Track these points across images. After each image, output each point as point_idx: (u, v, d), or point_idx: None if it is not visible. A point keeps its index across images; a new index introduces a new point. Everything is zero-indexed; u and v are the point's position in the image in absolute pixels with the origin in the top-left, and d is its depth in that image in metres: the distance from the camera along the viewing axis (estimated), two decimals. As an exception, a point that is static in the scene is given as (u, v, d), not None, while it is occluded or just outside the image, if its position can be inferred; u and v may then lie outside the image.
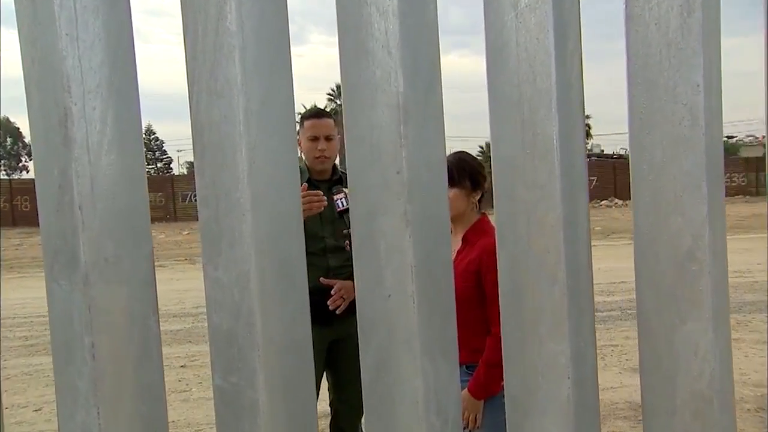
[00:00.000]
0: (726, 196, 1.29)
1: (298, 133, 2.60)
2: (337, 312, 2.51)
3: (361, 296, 1.24)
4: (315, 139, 2.61)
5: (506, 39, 1.22)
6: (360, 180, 1.21)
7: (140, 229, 1.19)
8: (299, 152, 2.58)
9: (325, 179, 2.67)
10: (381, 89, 1.18)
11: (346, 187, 2.51)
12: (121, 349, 1.14)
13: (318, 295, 2.44)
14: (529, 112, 1.21)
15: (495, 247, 1.94)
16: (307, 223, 2.42)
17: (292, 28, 1.21)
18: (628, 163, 1.29)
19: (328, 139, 2.62)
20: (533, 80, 1.20)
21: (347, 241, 2.47)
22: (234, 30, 1.14)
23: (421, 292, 1.20)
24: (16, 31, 1.10)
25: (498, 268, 1.27)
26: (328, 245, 2.57)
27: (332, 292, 2.50)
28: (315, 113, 2.70)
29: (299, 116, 2.55)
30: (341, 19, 1.19)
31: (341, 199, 2.49)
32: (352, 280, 2.54)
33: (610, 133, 58.81)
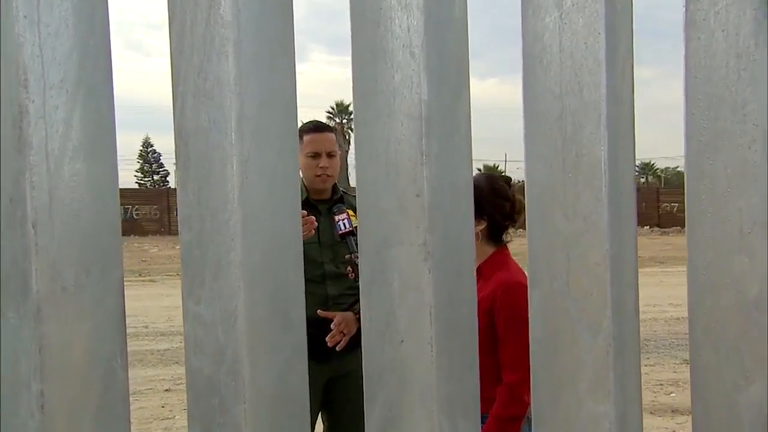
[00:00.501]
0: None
1: None
2: (337, 348, 2.27)
3: (368, 339, 1.05)
4: (316, 155, 2.38)
5: (547, 43, 1.04)
6: (372, 203, 1.03)
7: (109, 251, 1.00)
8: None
9: (324, 199, 2.45)
10: (401, 96, 1.00)
11: (348, 207, 2.31)
12: (77, 400, 0.94)
13: (315, 328, 2.18)
14: (572, 128, 1.03)
15: (513, 283, 1.75)
16: (305, 247, 2.24)
17: None
18: None
19: (330, 155, 2.40)
20: (579, 91, 1.02)
21: (350, 267, 2.22)
22: (228, 20, 0.96)
23: (441, 338, 1.01)
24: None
25: (530, 311, 1.08)
26: (327, 272, 2.34)
27: (332, 326, 2.26)
28: (315, 126, 2.47)
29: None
30: (355, 12, 1.01)
31: (344, 220, 2.24)
32: (353, 311, 2.37)
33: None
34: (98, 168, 0.99)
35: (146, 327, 6.87)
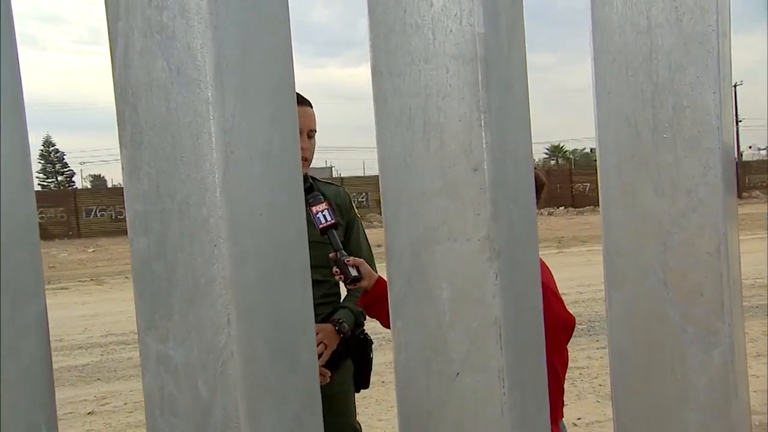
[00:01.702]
0: None
1: None
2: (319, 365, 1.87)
3: (403, 374, 0.76)
4: None
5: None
6: (402, 184, 0.73)
7: (28, 282, 0.67)
8: None
9: None
10: (444, 30, 0.71)
11: (322, 198, 1.92)
12: None
13: None
14: (667, 72, 0.76)
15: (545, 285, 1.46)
16: None
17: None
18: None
19: (309, 135, 1.92)
20: (677, 21, 0.76)
21: (336, 268, 1.80)
22: None
23: (514, 367, 0.73)
24: None
25: (609, 320, 0.82)
26: None
27: None
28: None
29: None
30: None
31: (323, 212, 1.83)
32: (332, 322, 2.01)
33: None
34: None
35: (60, 340, 6.26)
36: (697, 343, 0.77)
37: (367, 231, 2.09)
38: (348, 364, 1.93)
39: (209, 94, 0.64)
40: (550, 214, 24.82)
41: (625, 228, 0.80)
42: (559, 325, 1.35)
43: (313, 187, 1.95)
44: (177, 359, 0.67)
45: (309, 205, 1.77)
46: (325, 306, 1.92)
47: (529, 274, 0.76)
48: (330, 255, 1.74)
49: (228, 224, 0.65)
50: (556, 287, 1.42)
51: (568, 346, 1.47)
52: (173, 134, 0.65)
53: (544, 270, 1.43)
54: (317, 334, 1.80)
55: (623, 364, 0.81)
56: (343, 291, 1.97)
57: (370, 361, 1.98)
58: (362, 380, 1.97)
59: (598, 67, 0.80)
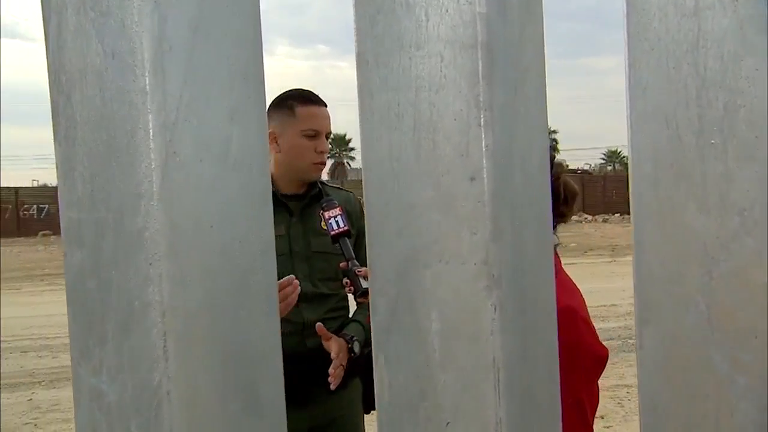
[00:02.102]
0: None
1: (267, 122, 1.73)
2: (332, 387, 1.67)
3: (386, 418, 0.64)
4: (314, 135, 1.75)
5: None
6: (389, 195, 0.61)
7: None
8: (270, 150, 1.77)
9: (296, 194, 1.82)
10: (439, 10, 0.58)
11: (336, 203, 1.80)
12: None
13: (290, 363, 1.61)
14: (717, 63, 0.62)
15: (559, 310, 1.25)
16: None
17: None
18: (594, 178, 0.70)
19: (327, 137, 1.82)
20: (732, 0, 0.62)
21: (347, 279, 1.68)
22: None
23: (515, 419, 0.60)
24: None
25: (640, 364, 0.68)
26: (303, 292, 1.67)
27: (332, 356, 1.64)
28: (313, 97, 1.79)
29: (277, 97, 1.78)
30: None
31: (336, 217, 1.65)
32: (341, 336, 1.66)
33: (573, 148, 59.08)
34: None
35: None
36: (749, 397, 0.63)
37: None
38: (356, 383, 1.79)
39: (146, 82, 0.53)
40: (605, 221, 24.26)
41: (662, 252, 0.66)
42: (589, 359, 1.20)
43: (321, 193, 1.83)
44: (110, 396, 0.57)
45: (322, 210, 1.67)
46: (333, 321, 1.78)
47: (542, 307, 0.64)
48: (341, 264, 1.63)
49: (167, 239, 0.54)
50: (588, 313, 1.27)
51: (614, 360, 1.32)
52: (108, 130, 0.55)
53: (575, 293, 1.28)
54: (339, 352, 1.65)
55: (656, 419, 0.67)
56: (352, 304, 1.84)
57: None
58: (371, 401, 1.84)
59: (633, 58, 0.66)
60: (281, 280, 1.49)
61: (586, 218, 29.02)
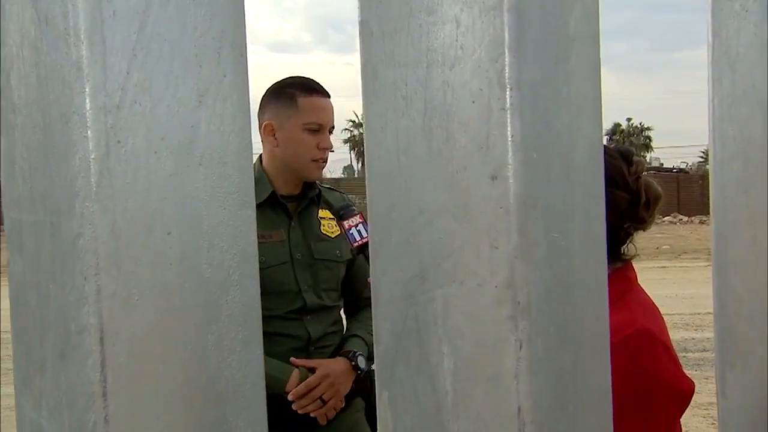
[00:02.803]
0: None
1: (263, 112, 1.58)
2: (320, 422, 1.51)
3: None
4: (317, 130, 1.55)
5: None
6: (395, 198, 0.49)
7: None
8: (266, 145, 1.60)
9: (293, 194, 1.62)
10: (454, -39, 0.46)
11: (326, 207, 1.65)
12: None
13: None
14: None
15: (635, 332, 1.03)
16: (271, 270, 1.49)
17: (343, 38, 0.52)
18: (691, 177, 0.53)
19: (330, 132, 1.63)
20: None
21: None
22: None
23: (546, 489, 0.47)
24: None
25: (719, 412, 0.53)
26: (307, 304, 1.54)
27: (299, 386, 1.48)
28: (316, 86, 1.59)
29: (274, 84, 1.60)
30: None
31: (357, 226, 1.51)
32: (343, 353, 1.50)
33: (669, 146, 56.55)
34: None
35: None
36: None
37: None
38: (358, 401, 1.62)
39: (81, 54, 0.43)
40: (701, 222, 23.07)
41: (753, 272, 0.51)
42: (670, 393, 1.01)
43: (321, 194, 1.67)
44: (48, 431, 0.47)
45: (341, 218, 1.53)
46: (335, 335, 1.61)
47: (589, 343, 0.50)
48: (368, 279, 1.49)
49: (107, 248, 0.44)
50: (669, 338, 1.07)
51: (708, 372, 1.12)
52: (44, 115, 0.45)
53: (655, 314, 1.09)
54: (322, 381, 1.49)
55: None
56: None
57: None
58: (375, 420, 1.67)
59: (718, 24, 0.52)
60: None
61: (681, 219, 27.70)
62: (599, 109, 0.51)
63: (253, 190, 0.52)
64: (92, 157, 0.43)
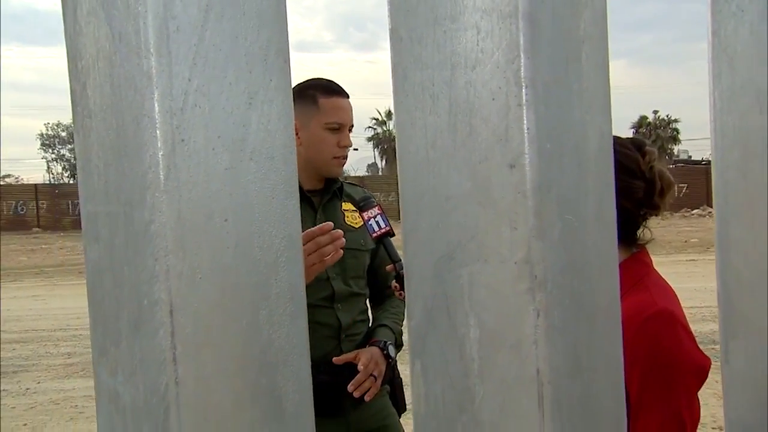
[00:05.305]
0: None
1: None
2: (366, 398, 1.62)
3: (421, 429, 0.58)
4: (337, 129, 1.66)
5: None
6: (423, 186, 0.55)
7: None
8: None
9: (317, 189, 1.73)
10: (474, -25, 0.51)
11: (349, 200, 1.73)
12: None
13: (324, 372, 1.60)
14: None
15: (653, 313, 1.09)
16: None
17: (364, 36, 0.59)
18: None
19: (350, 130, 1.74)
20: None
21: (396, 283, 1.62)
22: None
23: (563, 443, 0.52)
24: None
25: (723, 380, 0.58)
26: (336, 292, 1.64)
27: (359, 367, 1.59)
28: (336, 88, 1.70)
29: (296, 87, 1.70)
30: None
31: (376, 217, 1.59)
32: (378, 344, 1.60)
33: (697, 138, 55.71)
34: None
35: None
36: None
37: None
38: (384, 387, 1.72)
39: (151, 65, 0.49)
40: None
41: (752, 253, 0.56)
42: (690, 369, 1.07)
43: (342, 188, 1.76)
44: (125, 397, 0.54)
45: (361, 210, 1.61)
46: (362, 324, 1.70)
47: (601, 314, 0.55)
48: (387, 267, 1.57)
49: (174, 233, 0.50)
50: (686, 319, 1.12)
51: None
52: (117, 118, 0.52)
53: (673, 297, 1.14)
54: (367, 364, 1.58)
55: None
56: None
57: (401, 380, 1.76)
58: (400, 402, 1.76)
59: (718, 23, 0.57)
60: (313, 228, 1.42)
61: (710, 212, 27.32)
62: (608, 103, 0.57)
63: (297, 181, 0.59)
64: (161, 154, 0.50)
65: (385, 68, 0.59)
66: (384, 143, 49.30)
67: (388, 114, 49.05)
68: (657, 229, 1.21)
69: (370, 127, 52.16)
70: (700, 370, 1.07)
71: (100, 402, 0.57)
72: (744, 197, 0.56)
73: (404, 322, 1.73)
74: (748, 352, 0.57)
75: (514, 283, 0.51)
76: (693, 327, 1.25)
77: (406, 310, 0.59)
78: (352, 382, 1.57)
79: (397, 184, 0.59)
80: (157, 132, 0.50)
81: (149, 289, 0.51)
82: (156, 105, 0.50)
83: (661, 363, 1.04)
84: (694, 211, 27.10)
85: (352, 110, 1.74)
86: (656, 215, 1.15)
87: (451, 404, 0.55)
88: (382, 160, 51.60)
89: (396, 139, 0.58)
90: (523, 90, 0.50)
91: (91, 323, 0.57)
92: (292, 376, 0.57)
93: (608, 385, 0.55)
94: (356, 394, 1.58)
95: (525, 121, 0.50)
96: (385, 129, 49.21)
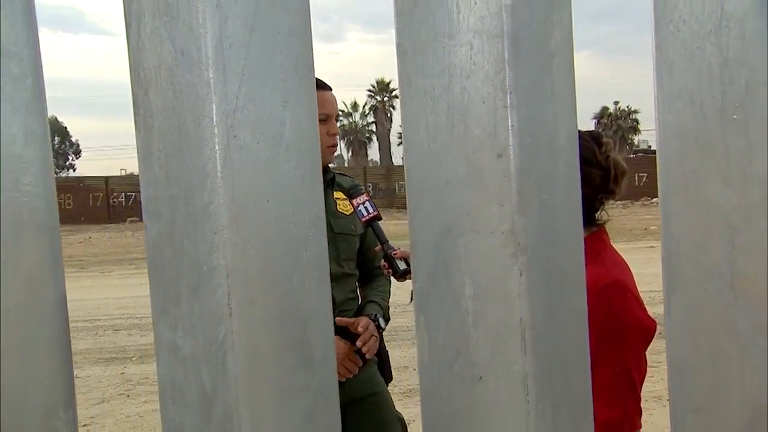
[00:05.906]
0: None
1: None
2: (367, 356, 1.80)
3: (426, 375, 0.70)
4: (325, 120, 1.82)
5: None
6: (427, 171, 0.68)
7: (47, 267, 0.68)
8: None
9: None
10: (468, 2, 0.64)
11: (340, 190, 1.89)
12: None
13: None
14: (739, 43, 0.66)
15: (607, 283, 1.26)
16: None
17: (328, 27, 0.69)
18: None
19: (336, 119, 1.90)
20: (751, -16, 0.65)
21: (385, 262, 1.78)
22: None
23: (541, 375, 0.66)
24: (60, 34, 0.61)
25: (667, 329, 0.72)
26: (331, 272, 1.77)
27: (359, 329, 1.77)
28: (319, 83, 1.85)
29: None
30: None
31: (365, 204, 1.76)
32: (369, 316, 1.82)
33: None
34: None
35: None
36: (768, 358, 0.66)
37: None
38: (372, 359, 1.89)
39: (210, 75, 0.61)
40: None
41: (687, 223, 0.70)
42: (637, 331, 1.23)
43: (335, 178, 1.92)
44: (185, 348, 0.66)
45: (350, 197, 1.75)
46: (353, 301, 1.89)
47: (570, 274, 0.69)
48: (376, 248, 1.72)
49: (229, 211, 0.62)
50: (637, 289, 1.29)
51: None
52: (179, 118, 0.63)
53: (625, 270, 1.31)
54: (367, 326, 1.76)
55: (683, 379, 0.71)
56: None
57: (387, 352, 1.95)
58: (387, 373, 1.94)
59: (660, 40, 0.70)
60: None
61: (669, 201, 27.90)
62: (574, 104, 0.70)
63: (321, 169, 0.71)
64: (218, 148, 0.62)
65: (350, 60, 0.72)
66: (350, 134, 49.28)
67: (354, 105, 49.00)
68: (618, 217, 1.37)
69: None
70: (646, 329, 1.24)
71: (161, 353, 0.68)
72: (681, 179, 0.70)
73: (389, 299, 1.89)
74: (686, 306, 0.71)
75: (501, 249, 0.64)
76: (652, 310, 1.41)
77: (412, 274, 0.71)
78: (359, 339, 1.76)
79: (364, 175, 0.71)
80: (215, 130, 0.62)
81: (208, 257, 0.63)
82: (214, 108, 0.61)
83: (612, 321, 1.20)
84: (654, 200, 27.80)
85: (336, 101, 1.91)
86: (613, 199, 1.31)
87: (449, 350, 0.68)
88: (348, 152, 51.68)
89: (402, 135, 0.70)
90: (508, 95, 0.63)
91: (151, 289, 0.69)
92: (320, 330, 0.69)
93: (575, 330, 0.69)
94: (364, 350, 1.77)
95: (509, 120, 0.63)
96: (351, 120, 49.13)
